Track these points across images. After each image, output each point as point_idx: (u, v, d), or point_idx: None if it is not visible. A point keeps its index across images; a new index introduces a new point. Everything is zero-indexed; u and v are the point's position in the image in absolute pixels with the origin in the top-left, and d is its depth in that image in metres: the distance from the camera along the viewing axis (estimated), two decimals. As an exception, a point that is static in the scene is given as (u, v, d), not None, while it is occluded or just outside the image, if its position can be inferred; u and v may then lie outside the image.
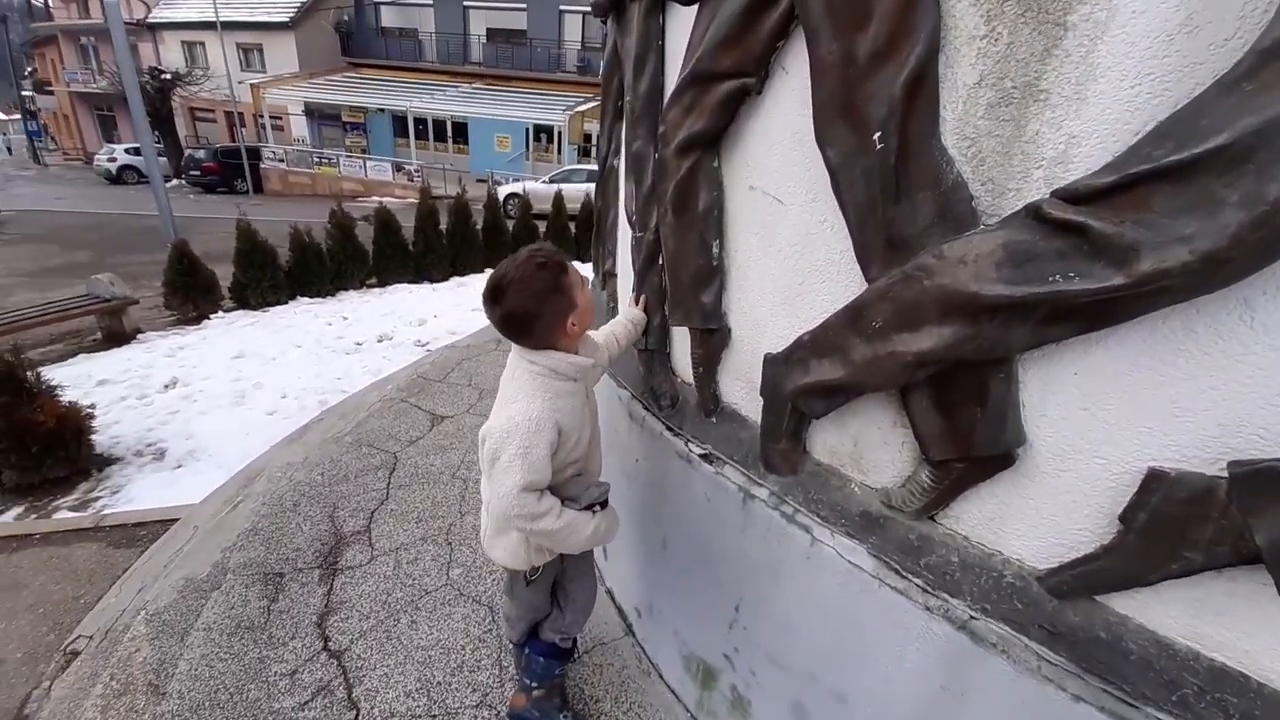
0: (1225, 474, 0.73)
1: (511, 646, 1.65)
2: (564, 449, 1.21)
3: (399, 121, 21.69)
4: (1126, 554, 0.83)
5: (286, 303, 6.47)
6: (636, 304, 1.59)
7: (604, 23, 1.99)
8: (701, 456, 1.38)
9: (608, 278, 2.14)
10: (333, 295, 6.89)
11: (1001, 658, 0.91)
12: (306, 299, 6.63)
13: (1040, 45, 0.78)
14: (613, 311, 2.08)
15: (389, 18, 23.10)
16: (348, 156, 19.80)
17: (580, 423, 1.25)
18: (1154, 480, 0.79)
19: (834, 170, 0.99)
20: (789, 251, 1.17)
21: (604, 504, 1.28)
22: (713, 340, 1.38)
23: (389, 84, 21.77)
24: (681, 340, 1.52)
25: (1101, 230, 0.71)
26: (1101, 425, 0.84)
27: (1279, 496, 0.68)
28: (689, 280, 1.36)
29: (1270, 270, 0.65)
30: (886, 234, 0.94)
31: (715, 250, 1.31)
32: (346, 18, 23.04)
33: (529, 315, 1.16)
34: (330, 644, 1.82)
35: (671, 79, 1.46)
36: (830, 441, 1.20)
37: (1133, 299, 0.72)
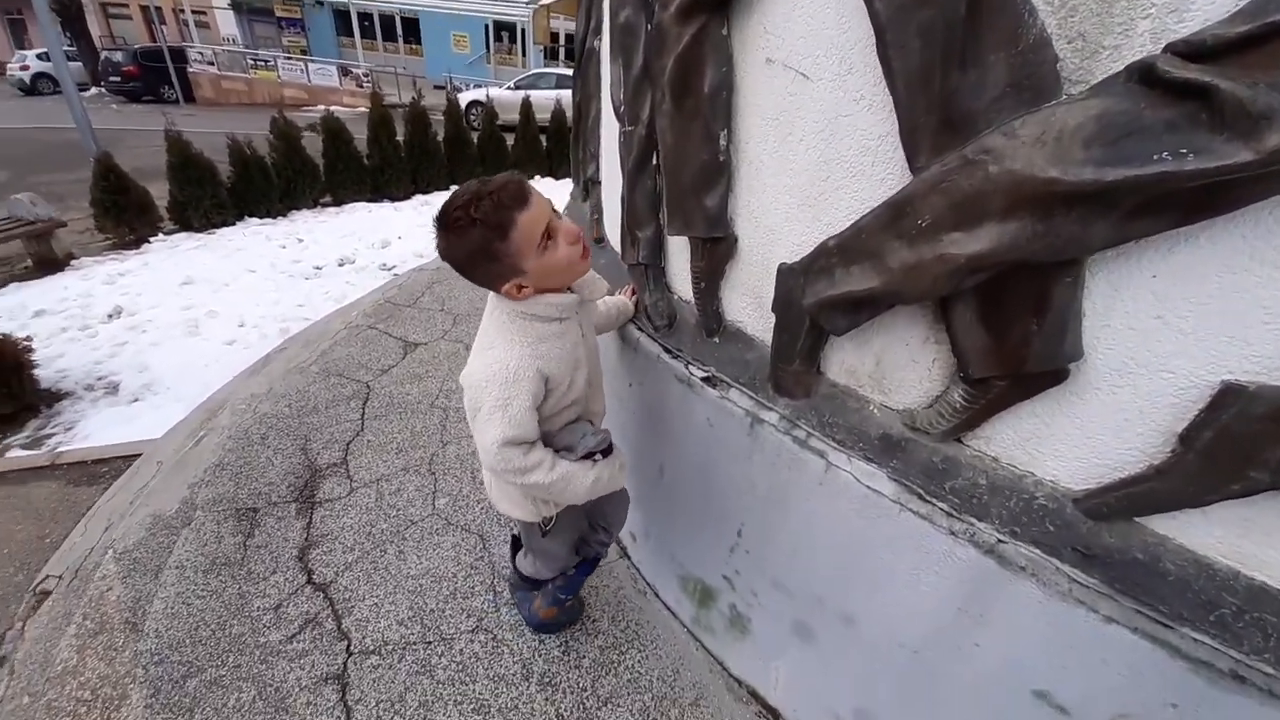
0: (1322, 387, 0.64)
1: (513, 575, 1.62)
2: (554, 395, 1.09)
3: (341, 17, 19.41)
4: (1182, 474, 0.76)
5: (234, 224, 5.95)
6: (629, 294, 1.46)
7: None
8: (704, 380, 1.27)
9: (590, 186, 1.92)
10: (284, 216, 6.36)
11: (1030, 581, 0.87)
12: (255, 220, 6.10)
13: None
14: (597, 224, 1.89)
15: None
16: (286, 59, 17.76)
17: (571, 365, 1.10)
18: (1229, 394, 0.71)
19: (881, 28, 0.80)
20: (813, 140, 1.00)
21: (606, 451, 1.17)
22: (717, 251, 1.22)
23: (326, -30, 19.23)
24: (680, 252, 1.36)
25: (1231, 93, 0.57)
26: (1175, 335, 0.74)
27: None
28: (690, 180, 1.18)
29: None
30: (944, 110, 0.78)
31: (722, 142, 1.13)
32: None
33: (463, 269, 1.00)
34: (314, 577, 1.76)
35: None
36: (849, 361, 1.09)
37: (1255, 181, 0.59)
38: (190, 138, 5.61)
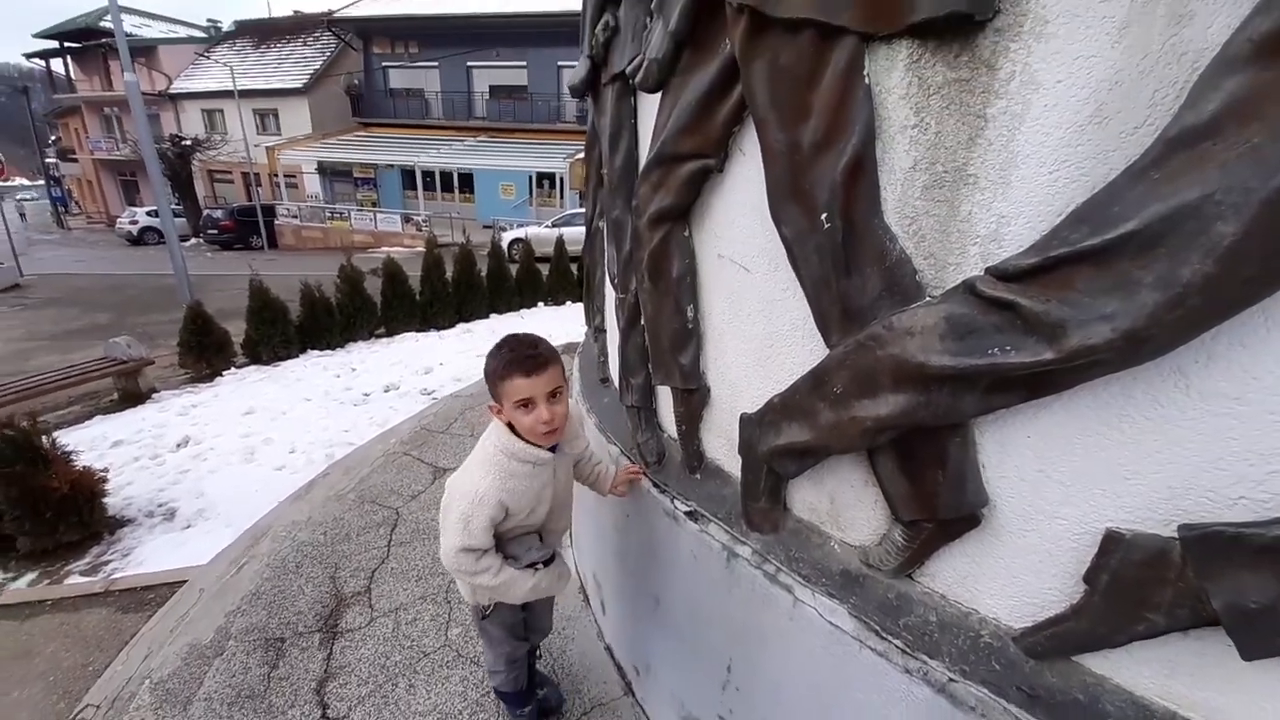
0: (1178, 536, 0.74)
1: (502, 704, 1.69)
2: (513, 519, 1.30)
3: (408, 175, 22.53)
4: (1094, 615, 0.84)
5: (297, 356, 6.62)
6: (626, 477, 1.61)
7: (583, 99, 2.12)
8: (687, 514, 1.40)
9: (598, 333, 2.20)
10: (341, 347, 7.04)
11: (982, 723, 0.91)
12: (316, 352, 6.78)
13: (965, 134, 0.84)
14: (603, 365, 2.14)
15: (397, 80, 24.30)
16: (359, 210, 20.51)
17: (534, 501, 1.31)
18: (1111, 542, 0.81)
19: (789, 246, 1.04)
20: (757, 316, 1.22)
21: (548, 561, 1.37)
22: (693, 399, 1.42)
23: (398, 141, 22.75)
24: (666, 398, 1.56)
25: (1030, 308, 0.75)
26: (1058, 486, 0.86)
27: (1230, 560, 0.70)
28: (668, 342, 1.42)
29: (1200, 341, 0.69)
30: (841, 305, 0.99)
31: (690, 314, 1.37)
32: (357, 81, 24.29)
33: (484, 374, 1.30)
34: (329, 711, 1.81)
35: (645, 153, 1.55)
36: (809, 498, 1.22)
37: (1065, 372, 0.75)
38: (270, 280, 6.48)
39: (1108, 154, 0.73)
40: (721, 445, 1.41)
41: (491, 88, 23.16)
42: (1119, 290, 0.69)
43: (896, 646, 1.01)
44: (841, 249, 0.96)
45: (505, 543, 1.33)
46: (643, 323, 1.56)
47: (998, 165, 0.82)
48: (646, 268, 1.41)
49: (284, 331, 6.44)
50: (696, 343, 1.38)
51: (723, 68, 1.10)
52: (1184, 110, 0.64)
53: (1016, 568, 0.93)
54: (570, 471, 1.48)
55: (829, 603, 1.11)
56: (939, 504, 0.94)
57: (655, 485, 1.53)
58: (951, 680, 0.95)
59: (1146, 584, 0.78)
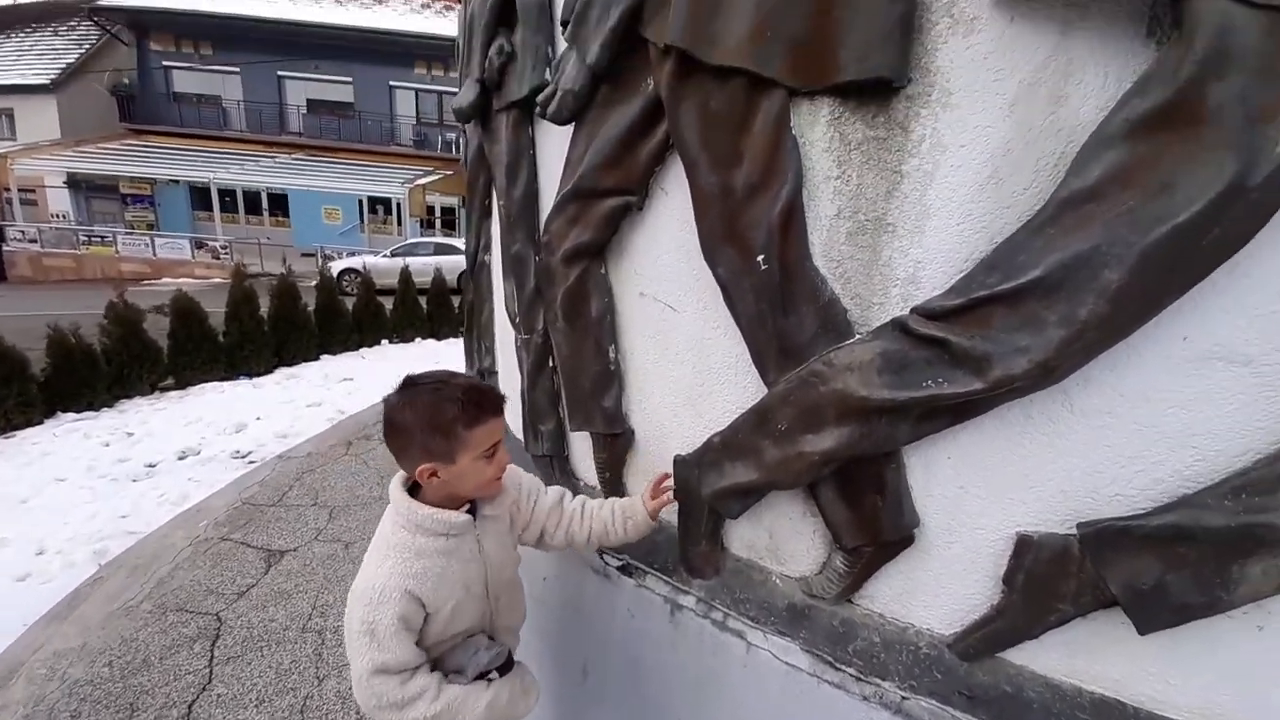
0: (1076, 533, 0.87)
1: None
2: (435, 623, 1.01)
3: (199, 194, 19.10)
4: (1014, 612, 0.94)
5: (42, 422, 5.06)
6: (652, 496, 1.22)
7: (461, 125, 1.97)
8: (619, 569, 1.31)
9: (486, 375, 2.02)
10: (109, 406, 5.54)
11: (936, 734, 0.96)
12: (71, 415, 5.24)
13: (884, 187, 0.92)
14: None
15: (184, 83, 20.64)
16: (128, 234, 16.74)
17: (458, 587, 1.03)
18: (1023, 544, 0.92)
19: (725, 286, 1.05)
20: (686, 355, 1.21)
21: (504, 668, 1.07)
22: (617, 444, 1.35)
23: (184, 153, 19.18)
24: (582, 442, 1.47)
25: (959, 343, 0.84)
26: (975, 499, 0.96)
27: (1120, 549, 0.83)
28: (588, 386, 1.33)
29: (1081, 370, 0.82)
30: (779, 343, 1.01)
31: (612, 355, 1.31)
32: (127, 81, 20.11)
33: (401, 429, 1.00)
34: None
35: (546, 184, 1.48)
36: (747, 536, 1.22)
37: (989, 399, 0.85)
38: (-4, 327, 4.90)
39: (1003, 210, 0.85)
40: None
41: (310, 101, 20.83)
42: (1029, 327, 0.79)
43: (850, 675, 1.04)
44: (779, 290, 0.98)
45: (443, 657, 1.04)
46: (553, 365, 1.46)
47: (913, 216, 0.91)
48: (561, 307, 1.32)
49: (22, 391, 4.88)
50: (619, 384, 1.32)
51: (646, 106, 1.08)
52: (1070, 176, 0.77)
53: (945, 578, 1.01)
54: (505, 540, 1.16)
55: (781, 641, 1.10)
56: (880, 528, 1.00)
57: (577, 540, 1.41)
58: (904, 698, 0.99)
59: (1055, 578, 0.90)
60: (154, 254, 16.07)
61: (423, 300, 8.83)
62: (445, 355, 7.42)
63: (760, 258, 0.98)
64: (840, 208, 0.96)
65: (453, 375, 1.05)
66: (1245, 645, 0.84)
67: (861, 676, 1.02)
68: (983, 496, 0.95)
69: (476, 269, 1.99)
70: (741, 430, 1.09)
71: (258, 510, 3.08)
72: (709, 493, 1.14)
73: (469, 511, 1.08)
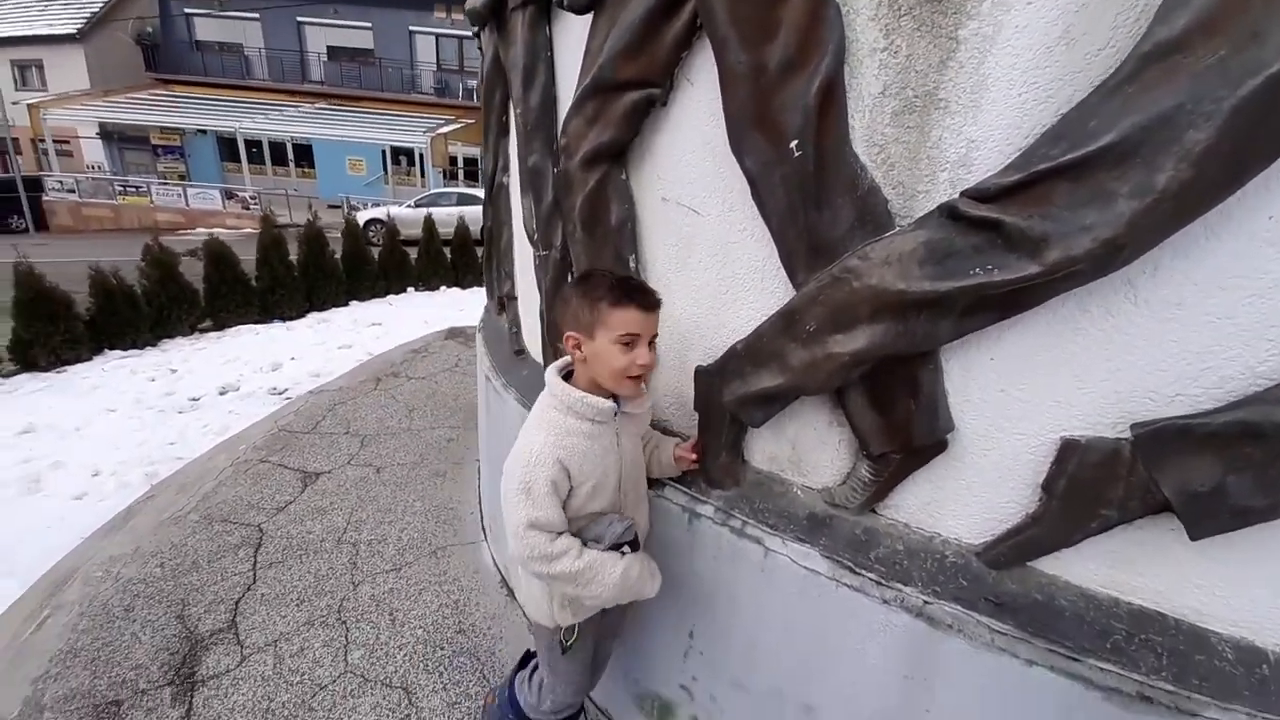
0: (1129, 436, 0.81)
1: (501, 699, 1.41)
2: (578, 496, 1.07)
3: (227, 144, 19.17)
4: (1051, 519, 0.90)
5: (90, 359, 5.30)
6: (692, 450, 1.23)
7: (477, 35, 1.88)
8: (638, 481, 1.31)
9: (507, 301, 2.00)
10: (153, 345, 5.77)
11: (958, 637, 0.95)
12: (118, 352, 5.48)
13: (936, 57, 0.83)
14: (515, 336, 1.95)
15: (205, 31, 20.38)
16: (162, 184, 16.98)
17: (597, 470, 1.08)
18: (1068, 449, 0.87)
19: (753, 179, 0.98)
20: (709, 262, 1.15)
21: (634, 545, 1.12)
22: (637, 358, 1.32)
23: (210, 102, 19.13)
24: (601, 361, 1.44)
25: (1014, 224, 0.77)
26: (1017, 403, 0.90)
27: (1178, 450, 0.77)
28: (607, 297, 1.29)
29: (1151, 253, 0.74)
30: (810, 239, 0.95)
31: (632, 264, 1.26)
32: (151, 30, 19.93)
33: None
34: (196, 781, 1.45)
35: (564, 90, 1.40)
36: (770, 448, 1.19)
37: (1045, 285, 0.78)
38: (43, 269, 5.08)
39: (1074, 75, 0.75)
40: (670, 404, 1.33)
41: (330, 49, 20.41)
42: (1096, 201, 0.72)
43: (870, 579, 1.02)
44: (813, 179, 0.91)
45: (580, 530, 1.10)
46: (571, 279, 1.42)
47: (969, 88, 0.82)
48: (580, 216, 1.27)
49: (69, 329, 5.10)
50: (640, 296, 1.27)
51: (672, -19, 0.99)
52: (1155, 25, 0.67)
53: (977, 486, 0.97)
54: (637, 443, 1.20)
55: (800, 548, 1.09)
56: (912, 433, 0.95)
57: (597, 455, 1.41)
58: (927, 602, 0.97)
59: (1100, 483, 0.85)
60: (187, 204, 16.31)
61: (447, 250, 8.83)
62: (470, 302, 7.46)
63: (794, 143, 0.91)
64: (886, 84, 0.87)
65: (614, 272, 1.11)
66: (1305, 555, 0.79)
67: (882, 581, 1.01)
68: (1026, 399, 0.90)
69: (494, 192, 1.93)
70: (766, 334, 1.04)
71: (293, 437, 3.20)
72: (731, 400, 1.11)
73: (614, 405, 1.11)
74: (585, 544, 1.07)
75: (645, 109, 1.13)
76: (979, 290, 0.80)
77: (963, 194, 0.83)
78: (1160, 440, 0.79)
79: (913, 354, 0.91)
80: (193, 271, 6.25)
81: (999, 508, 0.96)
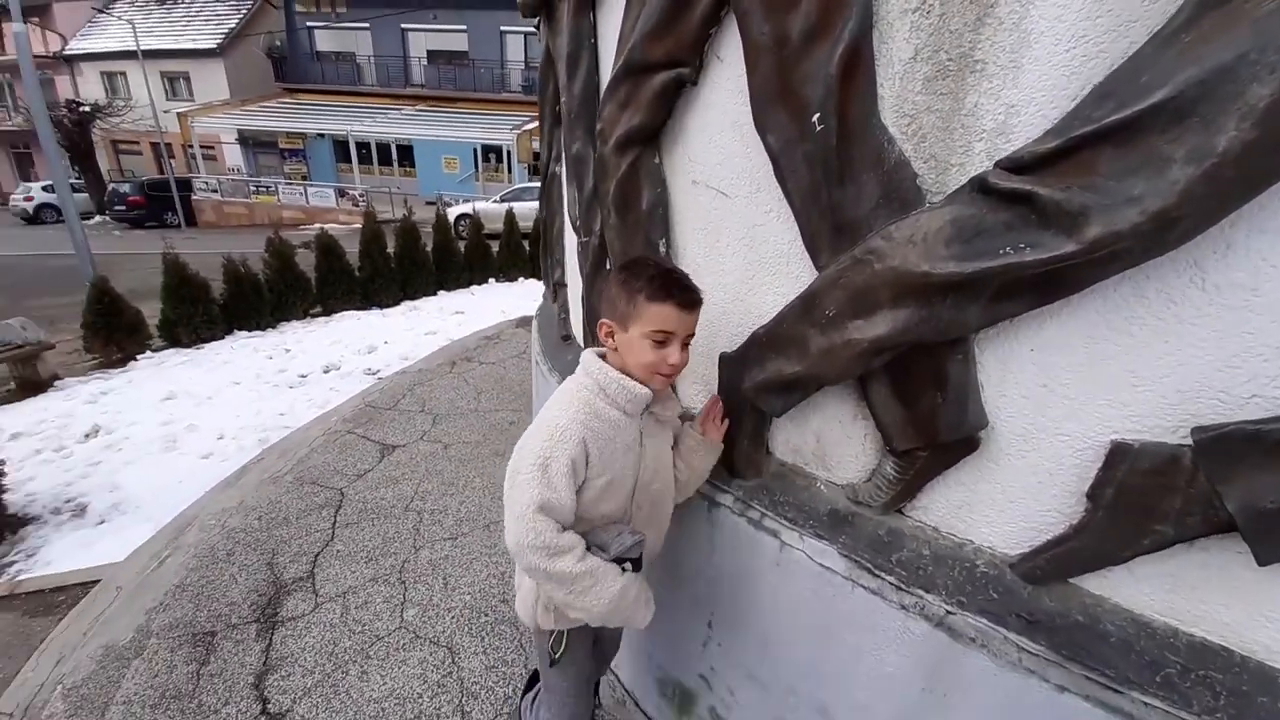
0: (1189, 441, 0.71)
1: None
2: (591, 489, 0.99)
3: (340, 146, 21.13)
4: (1097, 532, 0.80)
5: (222, 338, 6.09)
6: (712, 424, 1.16)
7: (536, 26, 1.94)
8: (662, 466, 1.31)
9: (558, 289, 2.06)
10: (273, 328, 6.53)
11: (981, 652, 0.87)
12: (245, 333, 6.25)
13: (973, 14, 0.76)
14: (564, 322, 2.01)
15: (324, 42, 22.56)
16: (287, 184, 19.06)
17: (618, 467, 1.01)
18: (1118, 453, 0.77)
19: (775, 157, 0.95)
20: (737, 246, 1.13)
21: (636, 565, 1.02)
22: (666, 343, 1.32)
23: (327, 108, 21.20)
24: (634, 346, 1.45)
25: (1049, 197, 0.69)
26: (1061, 401, 0.81)
27: (1247, 459, 0.66)
28: (637, 282, 1.30)
29: (1218, 230, 0.64)
30: (833, 219, 0.90)
31: (663, 249, 1.26)
32: (279, 43, 22.37)
33: (609, 283, 1.04)
34: (270, 706, 1.65)
35: (606, 76, 1.41)
36: (793, 440, 1.15)
37: (1085, 266, 0.70)
38: (188, 258, 5.89)
39: (1129, 25, 0.66)
40: (698, 391, 1.32)
41: (430, 52, 21.86)
42: (1146, 169, 0.63)
43: (890, 583, 0.96)
44: (835, 154, 0.87)
45: (586, 532, 1.02)
46: (609, 266, 1.44)
47: (1009, 47, 0.74)
48: (613, 200, 1.28)
49: (206, 311, 5.89)
50: (669, 280, 1.27)
51: (698, -44, 0.97)
52: (1221, -40, 0.57)
53: (1014, 491, 0.89)
54: (663, 450, 1.10)
55: (817, 544, 1.04)
56: (937, 429, 0.88)
57: (626, 439, 1.43)
58: (949, 613, 0.90)
59: (1154, 493, 0.74)
60: (307, 201, 18.21)
61: (526, 243, 9.21)
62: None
63: (815, 116, 0.87)
64: (918, 47, 0.81)
65: (665, 265, 1.05)
66: None
67: (903, 586, 0.94)
68: (1072, 397, 0.80)
69: (549, 181, 2.00)
70: (787, 319, 1.00)
71: (377, 412, 3.50)
72: (750, 387, 1.08)
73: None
74: (589, 549, 0.99)
75: (675, 89, 1.12)
76: (1010, 272, 0.73)
77: (996, 165, 0.75)
78: (1226, 447, 0.68)
79: (940, 342, 0.84)
80: (307, 262, 6.98)
81: (1038, 516, 0.87)
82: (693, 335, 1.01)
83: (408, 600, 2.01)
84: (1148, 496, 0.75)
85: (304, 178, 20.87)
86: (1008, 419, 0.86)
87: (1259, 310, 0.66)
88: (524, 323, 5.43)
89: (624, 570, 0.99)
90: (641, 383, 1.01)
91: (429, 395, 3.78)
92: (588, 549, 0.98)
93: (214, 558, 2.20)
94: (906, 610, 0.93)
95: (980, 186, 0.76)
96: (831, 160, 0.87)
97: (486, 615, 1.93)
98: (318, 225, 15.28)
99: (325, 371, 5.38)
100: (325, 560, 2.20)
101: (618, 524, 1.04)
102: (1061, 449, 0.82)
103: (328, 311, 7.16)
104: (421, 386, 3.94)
